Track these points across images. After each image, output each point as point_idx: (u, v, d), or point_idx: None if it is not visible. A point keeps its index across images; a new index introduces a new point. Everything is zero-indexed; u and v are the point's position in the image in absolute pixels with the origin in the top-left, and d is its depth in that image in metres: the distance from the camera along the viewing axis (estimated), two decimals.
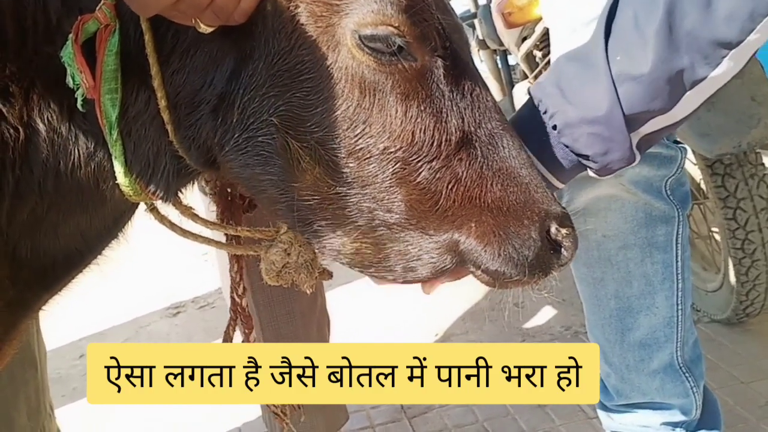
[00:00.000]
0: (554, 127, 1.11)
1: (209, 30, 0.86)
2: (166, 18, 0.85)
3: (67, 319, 3.05)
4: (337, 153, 0.90)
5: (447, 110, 0.92)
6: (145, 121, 0.93)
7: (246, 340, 1.25)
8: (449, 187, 0.91)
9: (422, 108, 0.90)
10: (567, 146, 1.11)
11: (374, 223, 0.93)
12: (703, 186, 2.60)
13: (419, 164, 0.90)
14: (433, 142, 0.91)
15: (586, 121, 1.08)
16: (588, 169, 1.15)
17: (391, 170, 0.90)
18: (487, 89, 0.98)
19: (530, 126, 1.13)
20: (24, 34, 0.89)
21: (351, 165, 0.90)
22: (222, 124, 0.92)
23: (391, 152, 0.90)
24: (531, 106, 1.15)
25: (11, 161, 0.90)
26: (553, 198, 0.97)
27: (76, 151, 0.93)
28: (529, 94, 1.15)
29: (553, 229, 0.95)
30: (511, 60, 3.52)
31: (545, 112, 1.12)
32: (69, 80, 0.88)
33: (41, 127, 0.91)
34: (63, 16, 0.90)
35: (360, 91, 0.88)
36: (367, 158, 0.90)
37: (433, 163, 0.91)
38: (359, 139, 0.89)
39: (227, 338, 1.23)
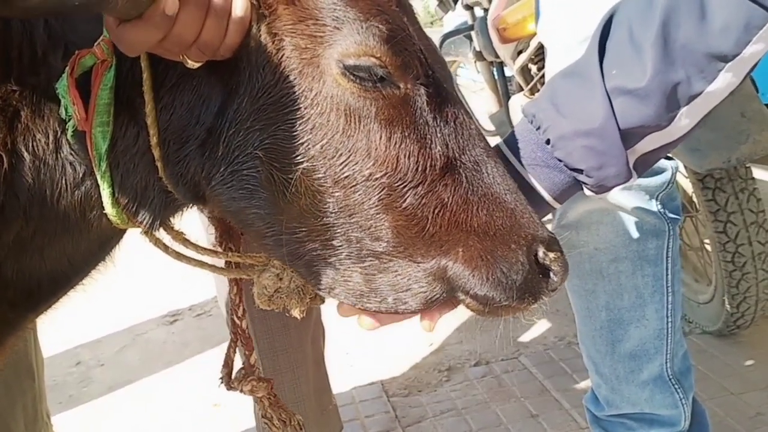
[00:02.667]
0: (548, 142, 1.11)
1: (197, 65, 0.87)
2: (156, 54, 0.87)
3: (63, 326, 3.07)
4: (323, 183, 0.90)
5: (431, 136, 0.93)
6: (134, 155, 0.93)
7: (246, 362, 1.26)
8: (435, 212, 0.92)
9: (406, 134, 0.91)
10: (561, 160, 1.11)
11: (363, 253, 0.93)
12: (695, 199, 2.63)
13: (404, 190, 0.91)
14: (417, 168, 0.91)
15: (580, 134, 1.08)
16: (584, 186, 1.14)
17: (377, 197, 0.91)
18: (471, 117, 0.99)
19: (524, 144, 1.13)
20: (9, 65, 0.90)
21: (337, 194, 0.91)
22: (208, 159, 0.93)
23: (377, 178, 0.90)
24: (525, 124, 1.15)
25: None
26: (539, 223, 0.98)
27: (63, 180, 0.94)
28: (523, 113, 1.15)
29: (540, 253, 0.95)
30: (508, 72, 3.55)
31: (539, 128, 1.11)
32: (62, 111, 0.90)
33: (26, 156, 0.92)
34: (49, 49, 0.91)
35: (345, 119, 0.90)
36: (353, 186, 0.90)
37: (419, 189, 0.91)
38: (344, 167, 0.90)
39: (228, 360, 1.24)
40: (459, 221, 0.93)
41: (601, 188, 1.13)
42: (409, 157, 0.91)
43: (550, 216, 1.32)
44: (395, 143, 0.91)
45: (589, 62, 1.09)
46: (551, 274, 0.96)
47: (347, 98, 0.90)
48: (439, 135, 0.94)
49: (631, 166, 1.11)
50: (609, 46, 1.08)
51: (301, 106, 0.90)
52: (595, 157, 1.08)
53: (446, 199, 0.93)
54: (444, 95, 0.96)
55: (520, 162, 1.12)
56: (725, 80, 1.02)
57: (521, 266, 0.94)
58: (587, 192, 1.15)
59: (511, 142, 1.14)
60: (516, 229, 0.95)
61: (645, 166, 1.17)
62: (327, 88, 0.90)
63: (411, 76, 0.92)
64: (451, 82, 1.00)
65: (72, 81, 0.89)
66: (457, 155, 0.95)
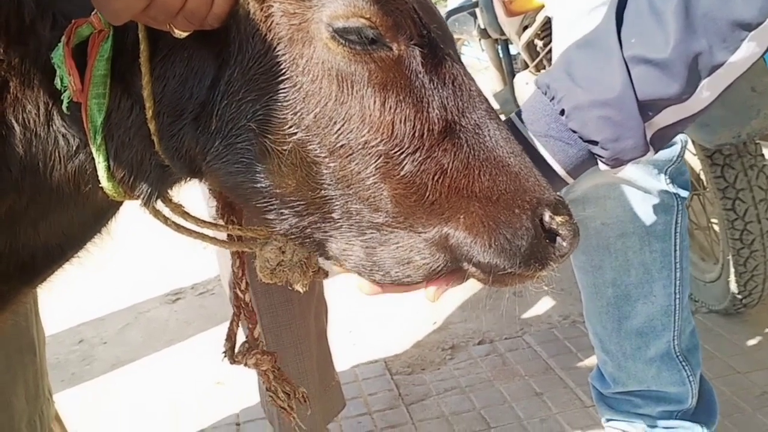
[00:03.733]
0: (562, 113, 1.07)
1: (184, 35, 0.85)
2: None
3: (65, 304, 3.07)
4: (318, 153, 0.88)
5: (427, 100, 0.89)
6: (129, 128, 0.92)
7: (250, 335, 1.24)
8: (435, 179, 0.89)
9: (401, 98, 0.88)
10: (575, 132, 1.07)
11: (363, 226, 0.91)
12: (702, 177, 2.61)
13: (402, 157, 0.88)
14: (414, 133, 0.88)
15: (597, 104, 1.04)
16: (599, 160, 1.10)
17: (373, 165, 0.88)
18: (471, 78, 0.95)
19: (537, 117, 1.09)
20: None
21: (333, 165, 0.88)
22: (203, 133, 0.90)
23: (372, 146, 0.87)
24: (538, 95, 1.11)
25: None
26: (546, 186, 0.94)
27: (56, 153, 0.92)
28: (536, 84, 1.11)
29: (546, 217, 0.91)
30: (513, 50, 3.51)
31: (553, 98, 1.08)
32: (57, 82, 0.88)
33: (17, 127, 0.90)
34: (37, 18, 0.88)
35: (338, 85, 0.87)
36: (349, 155, 0.88)
37: (416, 155, 0.88)
38: (339, 135, 0.87)
39: (231, 334, 1.22)
40: (460, 187, 0.89)
41: (617, 162, 1.09)
42: (405, 123, 0.88)
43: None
44: (390, 108, 0.88)
45: (606, 31, 1.05)
46: (559, 239, 0.92)
47: (339, 63, 0.87)
48: (436, 98, 0.90)
49: (648, 139, 1.07)
50: (627, 15, 1.04)
51: (292, 74, 0.87)
52: (611, 128, 1.04)
53: (446, 165, 0.89)
54: (441, 56, 0.92)
55: (532, 135, 1.08)
56: (748, 50, 0.98)
57: (526, 231, 0.90)
58: (602, 166, 1.11)
59: (524, 114, 1.10)
60: (520, 193, 0.91)
61: (662, 141, 1.12)
62: (318, 53, 0.87)
63: (404, 37, 0.88)
64: (450, 41, 0.96)
65: (68, 51, 0.86)
66: (456, 118, 0.91)
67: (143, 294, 3.47)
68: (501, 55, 3.54)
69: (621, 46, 1.03)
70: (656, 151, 1.11)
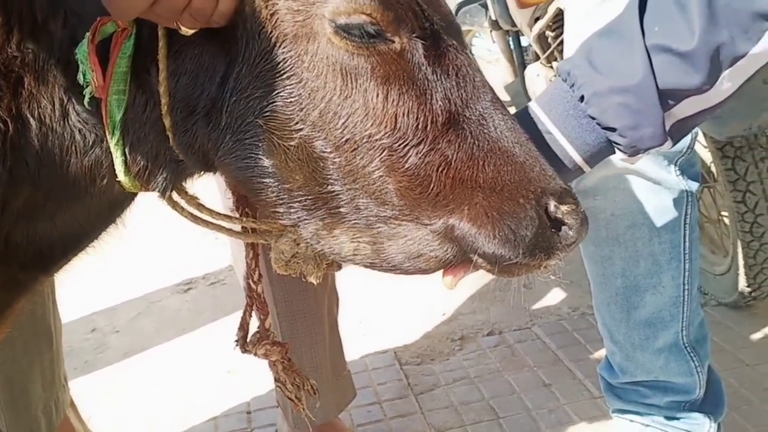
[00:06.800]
0: (581, 99, 1.07)
1: (190, 32, 0.87)
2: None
3: (79, 294, 3.10)
4: (324, 149, 0.89)
5: (430, 91, 0.90)
6: (144, 124, 0.93)
7: (261, 326, 1.26)
8: (439, 170, 0.90)
9: (404, 91, 0.89)
10: (594, 118, 1.07)
11: (370, 220, 0.92)
12: (713, 169, 2.60)
13: (406, 149, 0.89)
14: (417, 125, 0.89)
15: (617, 91, 1.04)
16: (616, 148, 1.10)
17: (378, 159, 0.89)
18: (476, 68, 0.95)
19: (556, 103, 1.09)
20: (9, 30, 0.89)
21: (338, 160, 0.89)
22: (214, 129, 0.92)
23: (377, 139, 0.89)
24: (558, 82, 1.11)
25: (2, 153, 0.91)
26: (551, 175, 0.94)
27: (73, 147, 0.94)
28: (557, 71, 1.12)
29: (551, 207, 0.91)
30: (524, 41, 3.50)
31: (573, 85, 1.08)
32: (80, 77, 0.90)
33: (32, 122, 0.92)
34: (49, 16, 0.90)
35: (342, 79, 0.88)
36: (354, 150, 0.89)
37: (420, 147, 0.89)
38: (344, 130, 0.88)
39: (243, 324, 1.24)
40: (464, 178, 0.90)
41: (635, 150, 1.09)
42: (408, 115, 0.89)
43: None
44: (393, 101, 0.89)
45: (629, 19, 1.05)
46: (565, 228, 0.92)
47: (342, 58, 0.88)
48: (439, 89, 0.91)
49: (666, 129, 1.08)
50: (650, 4, 1.04)
51: (297, 70, 0.89)
52: (630, 116, 1.04)
53: (450, 156, 0.90)
54: (444, 47, 0.93)
55: (551, 122, 1.09)
56: None
57: (530, 221, 0.90)
58: (619, 154, 1.11)
59: (543, 100, 1.11)
60: (524, 183, 0.91)
61: (680, 133, 1.13)
62: (322, 49, 0.88)
63: (405, 30, 0.89)
64: (455, 32, 0.96)
65: (93, 48, 0.89)
66: (460, 110, 0.92)
67: (155, 284, 3.49)
68: (512, 47, 3.53)
69: (643, 34, 1.03)
70: (674, 143, 1.12)
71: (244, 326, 1.25)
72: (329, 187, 0.91)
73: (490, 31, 3.66)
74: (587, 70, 1.06)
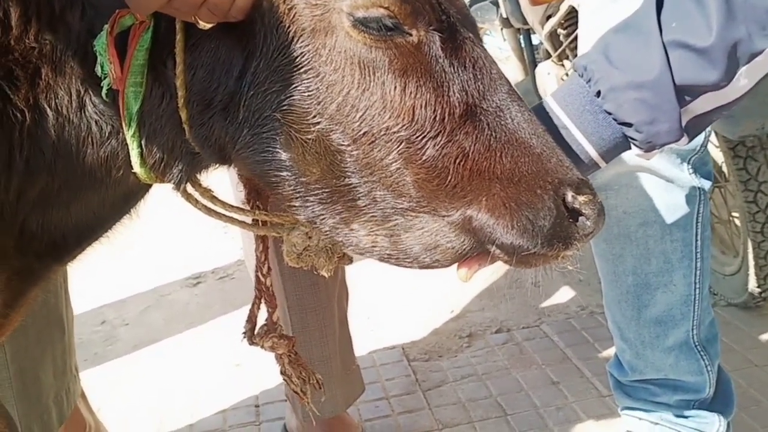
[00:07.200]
0: (598, 94, 1.07)
1: (208, 26, 0.87)
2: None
3: (89, 286, 3.11)
4: (341, 142, 0.90)
5: (448, 84, 0.91)
6: (160, 116, 0.94)
7: (269, 319, 1.27)
8: (456, 162, 0.90)
9: (421, 83, 0.90)
10: (610, 113, 1.07)
11: (387, 212, 0.92)
12: (724, 169, 2.59)
13: (423, 141, 0.89)
14: (435, 118, 0.89)
15: (633, 86, 1.04)
16: (632, 143, 1.10)
17: (396, 151, 0.89)
18: (492, 61, 0.96)
19: (572, 98, 1.10)
20: (27, 21, 0.90)
21: (356, 152, 0.90)
22: (231, 123, 0.93)
23: (394, 132, 0.89)
24: (574, 77, 1.11)
25: (19, 142, 0.92)
26: (568, 166, 0.94)
27: (89, 138, 0.95)
28: (573, 67, 1.12)
29: (569, 197, 0.92)
30: (535, 39, 3.50)
31: (589, 80, 1.08)
32: (98, 68, 0.91)
33: (49, 113, 0.93)
34: (66, 7, 0.91)
35: (360, 72, 0.89)
36: (372, 142, 0.89)
37: (438, 139, 0.90)
38: (361, 123, 0.89)
39: (252, 316, 1.25)
40: (481, 170, 0.91)
41: (650, 145, 1.09)
42: (425, 107, 0.89)
43: None
44: (410, 93, 0.89)
45: (646, 15, 1.05)
46: (582, 218, 0.93)
47: (360, 51, 0.89)
48: (456, 82, 0.91)
49: (683, 125, 1.07)
50: (667, 0, 1.04)
51: (315, 64, 0.89)
52: (646, 111, 1.05)
53: (467, 148, 0.91)
54: (461, 40, 0.93)
55: (567, 116, 1.09)
56: None
57: (548, 211, 0.90)
58: (635, 151, 1.11)
59: (559, 95, 1.11)
60: (542, 173, 0.92)
61: (696, 130, 1.13)
62: (340, 42, 0.89)
63: (423, 23, 0.90)
64: (471, 25, 0.97)
65: (111, 40, 0.90)
66: (477, 101, 0.92)
67: (165, 277, 3.51)
68: (523, 45, 3.52)
69: (661, 30, 1.03)
70: (690, 140, 1.11)
71: (252, 318, 1.25)
72: (346, 179, 0.91)
73: (501, 28, 3.65)
74: (604, 65, 1.06)
